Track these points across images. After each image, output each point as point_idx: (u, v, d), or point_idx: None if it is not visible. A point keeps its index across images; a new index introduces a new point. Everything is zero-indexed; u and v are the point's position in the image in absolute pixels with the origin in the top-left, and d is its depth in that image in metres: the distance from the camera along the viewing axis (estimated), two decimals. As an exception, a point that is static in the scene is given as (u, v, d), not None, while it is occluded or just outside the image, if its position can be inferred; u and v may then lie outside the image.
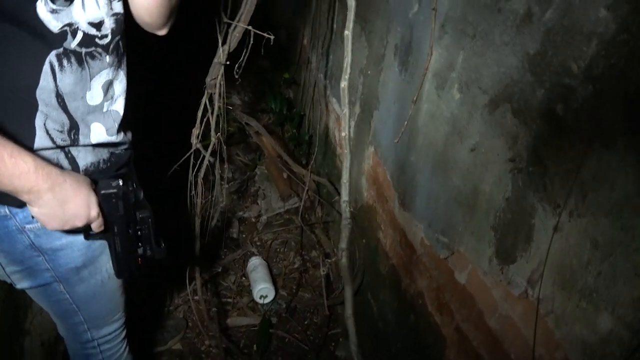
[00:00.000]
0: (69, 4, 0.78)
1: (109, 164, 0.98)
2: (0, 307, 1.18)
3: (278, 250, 2.30)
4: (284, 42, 3.77)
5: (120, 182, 0.91)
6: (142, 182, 1.38)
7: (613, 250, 0.73)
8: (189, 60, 3.24)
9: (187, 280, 1.79)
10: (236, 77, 1.53)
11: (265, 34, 1.39)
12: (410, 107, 1.43)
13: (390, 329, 1.67)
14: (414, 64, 1.48)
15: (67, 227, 0.85)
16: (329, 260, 2.12)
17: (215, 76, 1.59)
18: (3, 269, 0.95)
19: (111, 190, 0.89)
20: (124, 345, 1.26)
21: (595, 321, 0.76)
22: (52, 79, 0.81)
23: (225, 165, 1.67)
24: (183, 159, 1.61)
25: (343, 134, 0.95)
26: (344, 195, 1.00)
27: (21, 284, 0.98)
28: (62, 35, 0.79)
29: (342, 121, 2.21)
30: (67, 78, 0.82)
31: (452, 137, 1.26)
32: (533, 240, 0.94)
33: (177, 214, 2.38)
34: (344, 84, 0.89)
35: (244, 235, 2.36)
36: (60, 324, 1.16)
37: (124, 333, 1.24)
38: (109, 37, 0.87)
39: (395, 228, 1.64)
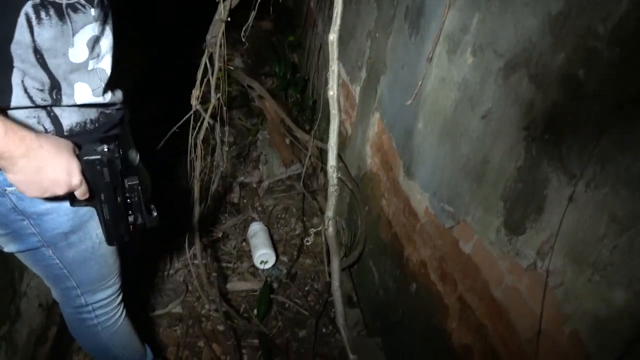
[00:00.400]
0: None
1: (97, 124, 0.91)
2: (-4, 268, 1.16)
3: (279, 216, 2.28)
4: (290, 4, 3.66)
5: (105, 148, 0.85)
6: (140, 145, 1.34)
7: (633, 224, 0.69)
8: (189, 17, 3.15)
9: (186, 245, 1.78)
10: (243, 39, 1.46)
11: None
12: (423, 68, 1.38)
13: (392, 297, 1.67)
14: (426, 27, 1.41)
15: (47, 195, 0.80)
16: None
17: (216, 34, 1.52)
18: None
19: (95, 157, 0.84)
20: (120, 310, 1.24)
21: (609, 295, 0.74)
22: (29, 32, 0.73)
23: (226, 128, 1.63)
24: (182, 121, 1.56)
25: (331, 92, 0.89)
26: (331, 160, 0.95)
27: (8, 248, 0.95)
28: None
29: (351, 84, 2.15)
30: (46, 32, 0.75)
31: (462, 104, 1.21)
32: (545, 211, 0.91)
33: (177, 177, 2.35)
34: (332, 36, 0.83)
35: (244, 201, 2.34)
36: (53, 288, 1.14)
37: (119, 298, 1.22)
38: None
39: (399, 196, 1.61)
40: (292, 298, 1.90)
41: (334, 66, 0.79)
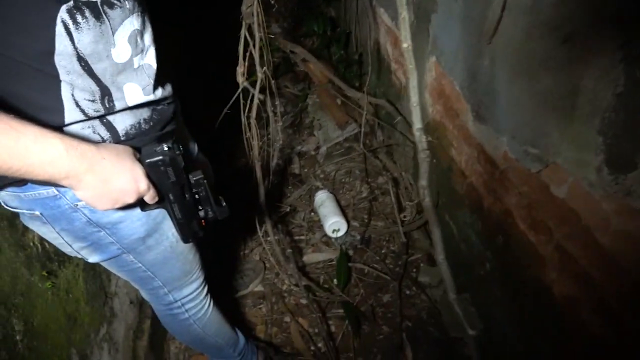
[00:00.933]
0: None
1: (151, 123, 0.87)
2: (83, 277, 1.20)
3: (343, 180, 2.21)
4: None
5: (165, 147, 0.82)
6: (194, 132, 1.31)
7: None
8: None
9: (257, 224, 1.77)
10: (272, 2, 1.36)
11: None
12: None
13: (475, 251, 1.57)
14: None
15: (118, 205, 0.78)
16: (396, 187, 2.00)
17: (251, 3, 1.42)
18: (70, 246, 0.92)
19: (157, 158, 0.81)
20: (208, 301, 1.25)
21: None
22: (69, 40, 0.68)
23: (277, 102, 1.55)
24: (232, 100, 1.51)
25: (405, 44, 0.78)
26: (417, 122, 0.84)
27: (92, 258, 0.96)
28: None
29: (397, 30, 1.98)
30: (86, 36, 0.70)
31: (535, 29, 1.05)
32: (661, 141, 0.77)
33: (235, 156, 2.34)
34: None
35: (305, 170, 2.29)
36: (141, 289, 1.16)
37: (205, 289, 1.23)
38: None
39: (471, 144, 1.48)
40: (370, 263, 1.86)
41: (403, 12, 0.68)
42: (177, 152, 0.84)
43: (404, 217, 1.93)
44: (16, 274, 0.94)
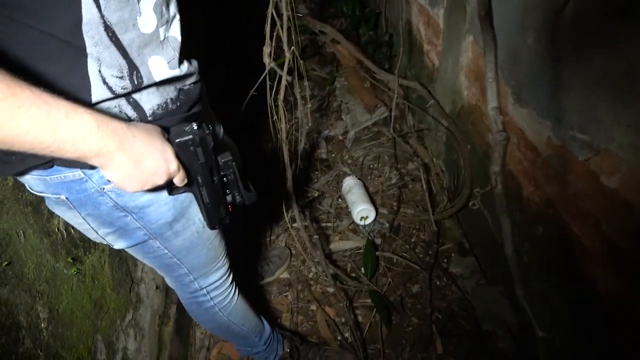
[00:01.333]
0: None
1: (178, 104, 0.85)
2: (109, 263, 1.18)
3: (371, 166, 2.15)
4: None
5: (195, 126, 0.79)
6: (219, 114, 1.27)
7: None
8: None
9: (284, 210, 1.73)
10: None
11: None
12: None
13: (513, 243, 1.49)
14: None
15: (147, 187, 0.75)
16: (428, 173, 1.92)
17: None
18: (96, 232, 0.90)
19: (187, 137, 0.77)
20: (233, 289, 1.23)
21: None
22: (96, 7, 0.65)
23: (305, 83, 1.49)
24: (258, 82, 1.45)
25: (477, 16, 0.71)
26: (492, 100, 0.76)
27: (118, 244, 0.94)
28: None
29: (431, 9, 1.88)
30: (112, 3, 0.67)
31: (585, 3, 0.96)
32: None
33: (262, 140, 2.30)
34: None
35: (333, 155, 2.23)
36: (166, 277, 1.14)
37: (230, 277, 1.21)
38: None
39: (510, 129, 1.40)
40: (399, 252, 1.80)
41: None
42: (207, 132, 0.80)
43: (437, 206, 1.86)
44: (41, 260, 0.92)
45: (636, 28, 0.84)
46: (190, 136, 0.77)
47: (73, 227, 1.04)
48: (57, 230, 1.00)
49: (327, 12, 3.07)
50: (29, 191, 0.82)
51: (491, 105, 0.80)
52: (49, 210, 0.94)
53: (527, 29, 1.20)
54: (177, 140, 0.77)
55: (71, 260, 1.02)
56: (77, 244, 1.06)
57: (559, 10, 1.03)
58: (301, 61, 1.38)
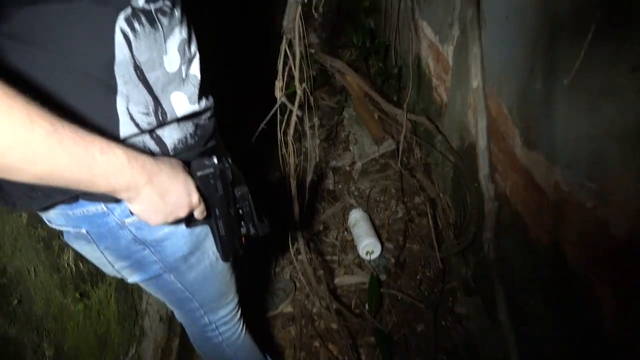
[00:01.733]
0: None
1: (196, 138, 0.87)
2: (115, 297, 1.18)
3: (378, 199, 2.15)
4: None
5: (215, 160, 0.81)
6: (228, 147, 1.28)
7: None
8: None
9: (289, 241, 1.73)
10: (315, 16, 1.33)
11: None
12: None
13: (519, 284, 1.48)
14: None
15: (170, 220, 0.76)
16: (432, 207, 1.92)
17: (293, 18, 1.39)
18: (112, 265, 0.91)
19: (208, 171, 0.80)
20: (241, 325, 1.23)
21: None
22: (128, 48, 0.68)
23: (315, 119, 1.51)
24: (269, 116, 1.47)
25: (475, 83, 0.72)
26: (484, 168, 0.78)
27: (132, 278, 0.95)
28: None
29: (441, 46, 1.91)
30: (142, 43, 0.70)
31: (598, 56, 0.97)
32: None
33: (269, 170, 2.32)
34: (471, 12, 0.66)
35: (340, 186, 2.24)
36: (176, 311, 1.14)
37: (239, 312, 1.21)
38: None
39: (518, 170, 1.40)
40: (404, 289, 1.79)
41: (475, 48, 0.63)
42: (226, 165, 0.83)
43: (442, 242, 1.86)
44: (50, 296, 0.93)
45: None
46: (212, 170, 0.80)
47: (82, 262, 1.05)
48: (66, 265, 1.01)
49: (338, 42, 3.13)
50: (42, 227, 0.83)
51: (483, 173, 0.80)
52: (59, 245, 0.95)
53: (537, 73, 1.22)
54: (199, 174, 0.79)
55: (79, 296, 1.02)
56: (85, 279, 1.07)
57: (571, 59, 1.04)
58: (311, 97, 1.40)
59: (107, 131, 0.71)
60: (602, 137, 1.00)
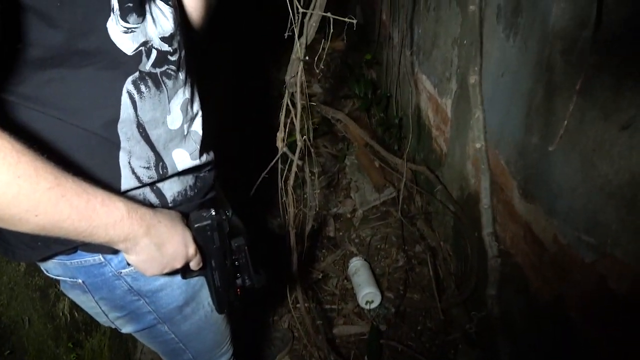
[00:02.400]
0: (142, 20, 0.69)
1: (195, 190, 0.89)
2: (109, 346, 1.17)
3: (378, 247, 2.14)
4: (360, 19, 3.55)
5: (213, 212, 0.83)
6: (227, 195, 1.30)
7: None
8: (256, 53, 3.16)
9: (287, 291, 1.71)
10: (317, 71, 1.38)
11: (346, 19, 1.22)
12: (531, 75, 1.18)
13: (521, 336, 1.45)
14: (528, 26, 1.22)
15: (166, 271, 0.78)
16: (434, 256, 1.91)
17: (295, 73, 1.45)
18: (106, 315, 0.91)
19: (205, 223, 0.81)
20: (236, 376, 1.20)
21: None
22: (133, 109, 0.72)
23: (315, 170, 1.54)
24: (270, 166, 1.50)
25: (477, 145, 0.74)
26: (487, 226, 0.79)
27: (126, 329, 0.94)
28: (137, 57, 0.70)
29: (440, 98, 1.96)
30: (147, 104, 0.74)
31: (591, 112, 1.00)
32: None
33: (269, 217, 2.32)
34: (473, 78, 0.69)
35: (340, 234, 2.24)
36: None
37: None
38: (179, 51, 0.78)
39: (517, 222, 1.41)
40: (405, 340, 1.75)
41: (478, 112, 0.65)
42: (224, 217, 0.84)
43: (444, 292, 1.83)
44: (42, 347, 0.92)
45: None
46: (209, 221, 0.81)
47: (77, 310, 1.04)
48: (61, 314, 1.00)
49: (340, 91, 3.21)
50: (39, 275, 0.84)
51: (486, 231, 0.81)
52: (56, 294, 0.95)
53: (532, 128, 1.25)
54: (197, 225, 0.80)
55: (71, 346, 1.01)
56: (79, 328, 1.06)
57: (562, 117, 1.07)
58: (311, 144, 1.43)
59: (109, 184, 0.73)
60: (597, 192, 1.01)
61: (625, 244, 0.96)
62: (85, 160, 0.72)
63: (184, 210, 0.84)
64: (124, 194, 0.76)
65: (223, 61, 2.82)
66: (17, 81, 0.63)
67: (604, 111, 0.96)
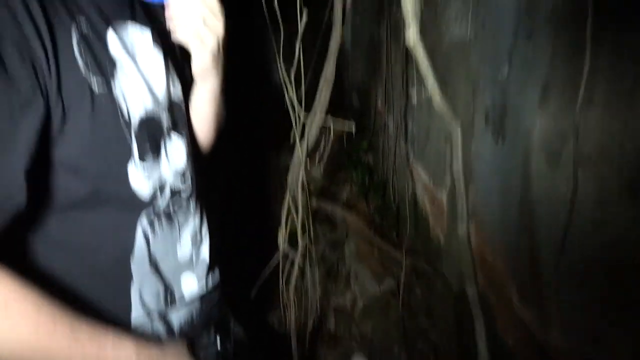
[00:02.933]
0: (158, 156, 0.72)
1: (201, 315, 0.89)
2: None
3: (379, 343, 2.08)
4: (357, 105, 3.69)
5: (218, 339, 0.86)
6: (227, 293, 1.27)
7: None
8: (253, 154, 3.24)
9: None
10: (317, 160, 1.43)
11: (345, 127, 1.28)
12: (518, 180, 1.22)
13: None
14: (514, 132, 1.27)
15: None
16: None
17: (297, 175, 1.50)
18: None
19: (211, 350, 0.85)
20: None
21: None
22: (146, 245, 0.74)
23: (316, 272, 1.54)
24: (271, 267, 1.51)
25: (470, 292, 0.76)
26: (482, 351, 0.79)
27: None
28: (152, 199, 0.73)
29: (435, 189, 1.99)
30: (160, 239, 0.76)
31: (580, 225, 1.02)
32: None
33: (270, 309, 2.27)
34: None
35: (341, 328, 2.18)
36: None
37: None
38: (191, 185, 0.81)
39: (517, 326, 1.38)
40: None
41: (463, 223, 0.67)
42: (228, 345, 0.87)
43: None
44: None
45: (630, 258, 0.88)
46: (214, 349, 0.85)
47: None
48: None
49: (339, 176, 3.27)
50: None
51: (482, 355, 0.81)
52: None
53: (525, 230, 1.26)
54: (202, 354, 0.82)
55: None
56: None
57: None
58: (314, 254, 1.45)
59: (120, 315, 0.74)
60: (596, 311, 1.01)
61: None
62: (98, 295, 0.73)
63: (190, 335, 0.85)
64: (132, 324, 0.77)
65: (222, 160, 2.90)
66: (35, 227, 0.66)
67: (593, 225, 0.98)
